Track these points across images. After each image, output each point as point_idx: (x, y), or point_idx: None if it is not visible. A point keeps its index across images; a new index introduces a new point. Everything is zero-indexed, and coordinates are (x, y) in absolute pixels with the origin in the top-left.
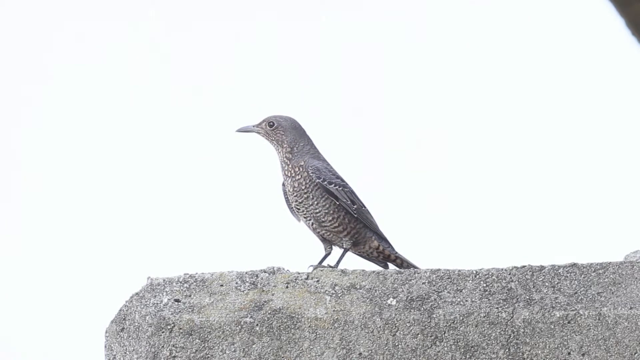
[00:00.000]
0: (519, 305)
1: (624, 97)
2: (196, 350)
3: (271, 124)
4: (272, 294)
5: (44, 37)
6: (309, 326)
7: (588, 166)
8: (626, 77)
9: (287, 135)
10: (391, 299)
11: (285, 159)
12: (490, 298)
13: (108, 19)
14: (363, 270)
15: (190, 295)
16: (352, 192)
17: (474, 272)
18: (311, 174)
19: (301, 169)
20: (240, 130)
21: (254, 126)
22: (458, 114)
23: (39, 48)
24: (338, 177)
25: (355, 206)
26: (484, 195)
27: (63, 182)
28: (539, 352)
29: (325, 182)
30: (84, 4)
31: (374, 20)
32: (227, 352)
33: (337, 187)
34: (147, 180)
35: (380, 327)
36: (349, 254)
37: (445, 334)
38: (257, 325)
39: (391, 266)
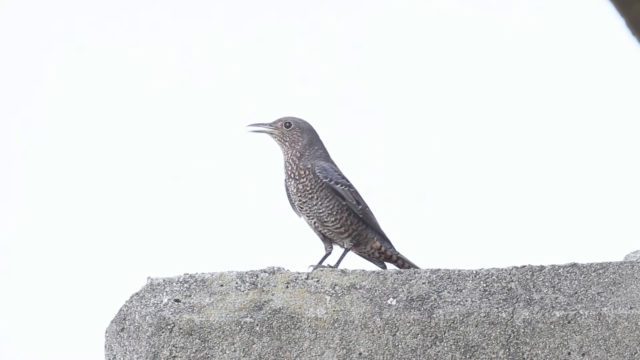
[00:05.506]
0: (519, 305)
1: (624, 97)
2: (196, 350)
3: (288, 124)
4: (272, 294)
5: (43, 37)
6: (309, 326)
7: (588, 166)
8: (626, 77)
9: (303, 137)
10: (391, 299)
11: (294, 157)
12: (490, 298)
13: (108, 18)
14: (363, 270)
15: (190, 295)
16: (357, 193)
17: (474, 272)
18: (318, 174)
19: (307, 172)
20: (252, 129)
21: (268, 125)
22: (458, 113)
23: (38, 48)
24: (344, 177)
25: (360, 206)
26: (483, 195)
27: (63, 182)
28: (539, 352)
29: (332, 182)
30: (84, 3)
31: (374, 20)
32: (227, 352)
33: (343, 187)
34: (147, 181)
35: (380, 327)
36: (350, 253)
37: (445, 334)
38: (257, 325)
39: (390, 266)
